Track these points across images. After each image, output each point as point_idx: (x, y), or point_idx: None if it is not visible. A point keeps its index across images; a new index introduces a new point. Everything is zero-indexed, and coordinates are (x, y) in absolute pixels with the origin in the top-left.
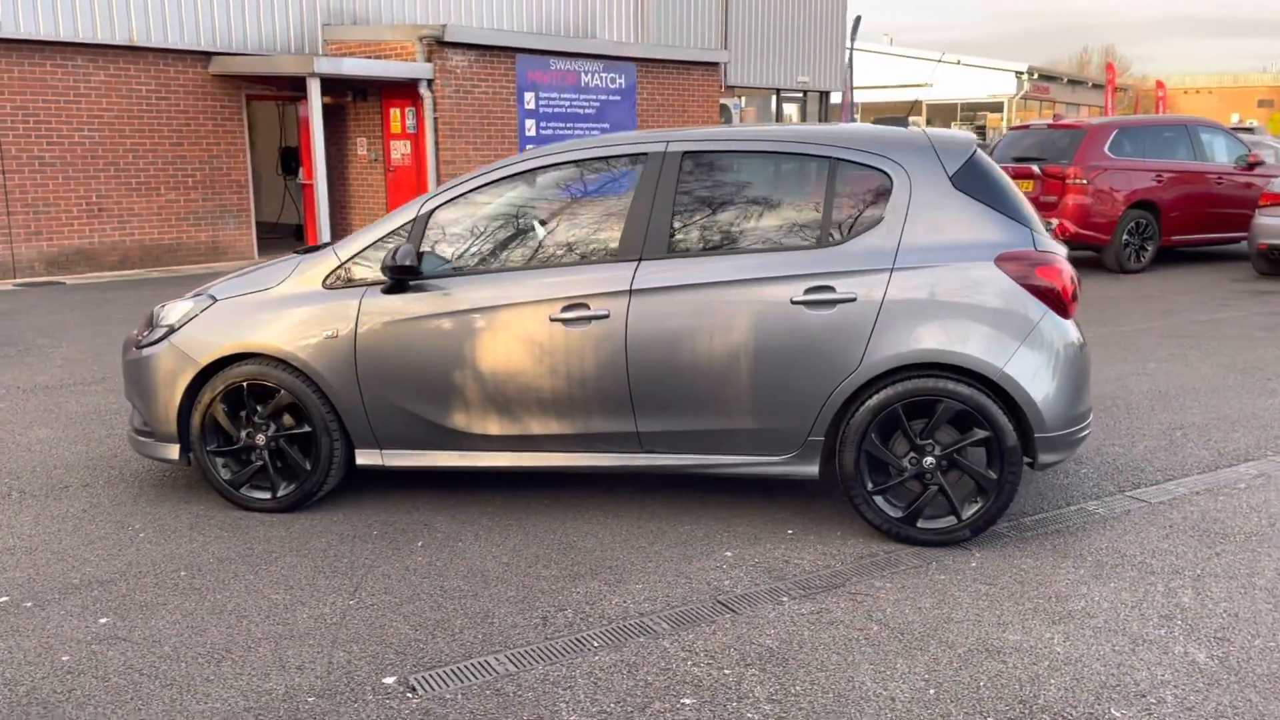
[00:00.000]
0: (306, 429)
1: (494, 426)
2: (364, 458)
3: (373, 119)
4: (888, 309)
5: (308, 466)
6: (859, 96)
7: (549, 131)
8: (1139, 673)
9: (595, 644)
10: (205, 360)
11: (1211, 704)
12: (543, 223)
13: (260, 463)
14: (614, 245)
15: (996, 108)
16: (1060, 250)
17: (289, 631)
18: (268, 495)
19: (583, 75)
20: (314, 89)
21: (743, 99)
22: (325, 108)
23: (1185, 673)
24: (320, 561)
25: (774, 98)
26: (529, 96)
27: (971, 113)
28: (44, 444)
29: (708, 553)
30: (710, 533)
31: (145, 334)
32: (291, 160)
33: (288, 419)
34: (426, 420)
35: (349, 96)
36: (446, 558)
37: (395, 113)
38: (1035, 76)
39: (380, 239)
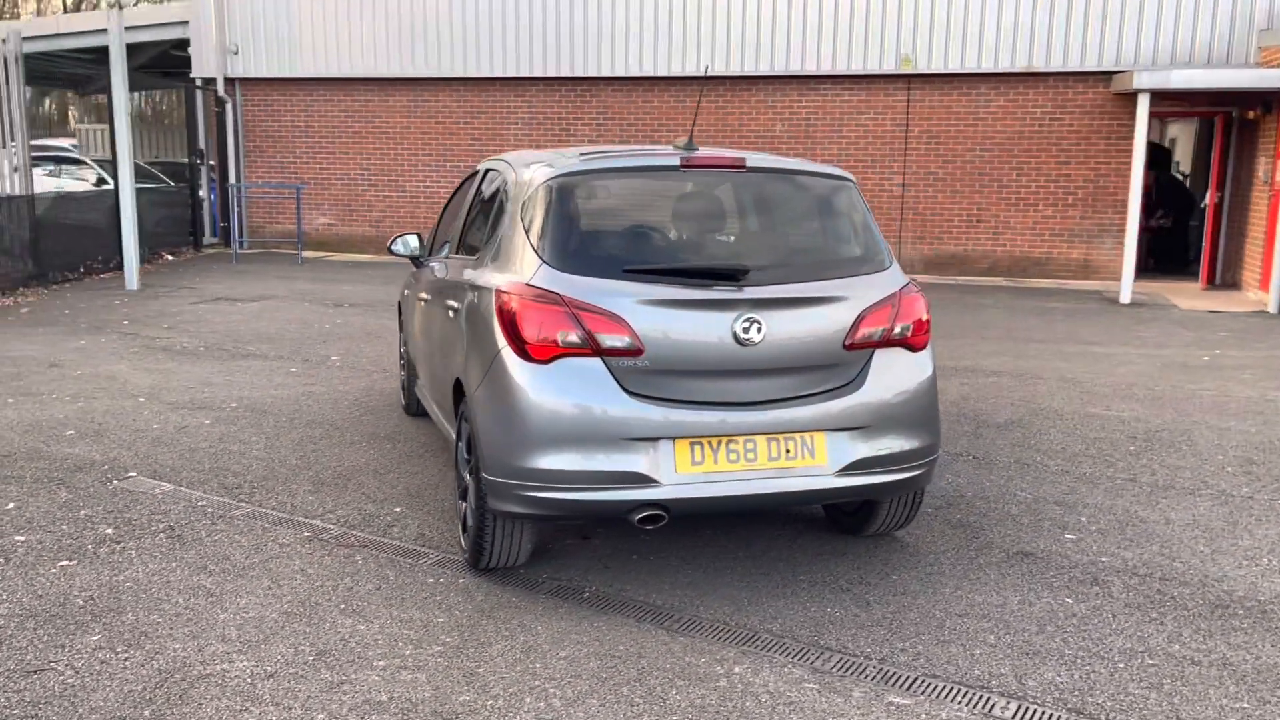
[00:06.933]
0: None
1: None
2: (417, 389)
3: (1271, 137)
4: (462, 320)
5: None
6: None
7: None
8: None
9: (172, 505)
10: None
11: None
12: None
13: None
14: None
15: None
16: (566, 293)
17: (191, 444)
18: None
19: None
20: (1142, 104)
21: None
22: (1243, 122)
23: None
24: (325, 433)
25: None
26: None
27: None
28: None
29: (381, 490)
30: (425, 485)
31: None
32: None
33: None
34: (413, 361)
35: (1259, 110)
36: (375, 455)
37: None
38: None
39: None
